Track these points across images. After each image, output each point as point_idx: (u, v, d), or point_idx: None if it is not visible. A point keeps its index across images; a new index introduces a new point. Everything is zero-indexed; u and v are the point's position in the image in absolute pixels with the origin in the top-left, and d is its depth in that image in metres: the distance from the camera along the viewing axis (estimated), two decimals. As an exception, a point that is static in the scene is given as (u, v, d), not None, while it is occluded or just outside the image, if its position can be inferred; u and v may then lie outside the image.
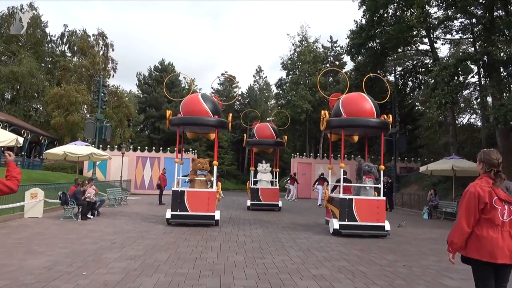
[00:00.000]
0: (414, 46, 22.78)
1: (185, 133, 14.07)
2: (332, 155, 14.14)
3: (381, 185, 11.09)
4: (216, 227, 11.42)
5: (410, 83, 25.09)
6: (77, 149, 16.50)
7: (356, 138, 13.11)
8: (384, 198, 11.19)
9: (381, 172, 11.19)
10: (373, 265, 7.14)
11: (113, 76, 37.17)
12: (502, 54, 13.28)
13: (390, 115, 11.43)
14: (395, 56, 24.81)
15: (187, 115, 12.01)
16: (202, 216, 11.55)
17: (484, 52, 14.30)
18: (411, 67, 25.38)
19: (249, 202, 18.41)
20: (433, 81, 16.33)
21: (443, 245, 9.29)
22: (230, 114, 13.15)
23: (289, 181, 27.20)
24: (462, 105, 35.14)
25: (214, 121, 11.98)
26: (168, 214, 11.66)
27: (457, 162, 16.39)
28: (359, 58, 22.64)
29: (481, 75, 20.77)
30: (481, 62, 14.61)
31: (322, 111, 11.63)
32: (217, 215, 11.74)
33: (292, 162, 30.39)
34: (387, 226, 10.59)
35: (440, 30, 21.04)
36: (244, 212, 17.00)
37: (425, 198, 20.11)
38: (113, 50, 37.25)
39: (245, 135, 19.92)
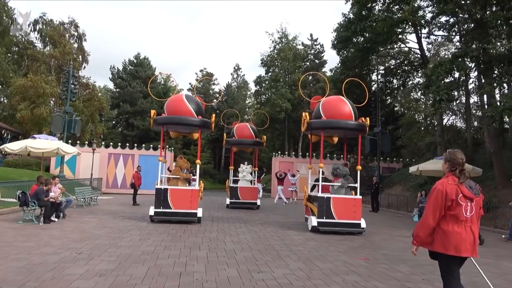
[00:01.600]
0: (401, 43, 22.14)
1: (168, 132, 14.19)
2: (314, 154, 14.37)
3: (358, 185, 11.47)
4: (199, 233, 10.20)
5: (395, 81, 24.52)
6: (41, 143, 14.77)
7: (335, 139, 13.62)
8: (360, 197, 11.59)
9: (358, 172, 11.65)
10: (388, 279, 6.14)
11: (84, 67, 35.08)
12: (501, 50, 12.66)
13: (368, 118, 11.74)
14: (379, 54, 24.03)
15: (171, 115, 12.19)
16: (185, 213, 11.73)
17: (480, 48, 13.71)
18: (396, 65, 24.74)
19: (228, 201, 18.53)
20: (425, 78, 15.66)
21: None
22: (213, 115, 13.27)
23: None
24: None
25: (197, 121, 12.20)
26: (152, 211, 11.80)
27: (450, 162, 15.74)
28: (346, 53, 21.77)
29: (467, 74, 20.31)
30: (478, 58, 13.98)
31: (303, 113, 12.05)
32: (199, 212, 11.96)
33: (273, 161, 29.36)
34: (363, 224, 11.13)
35: (428, 28, 20.49)
36: (225, 212, 15.82)
37: (412, 199, 19.54)
38: (85, 40, 35.14)
39: (224, 134, 19.80)
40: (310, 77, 48.93)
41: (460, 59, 14.06)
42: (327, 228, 10.89)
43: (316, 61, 49.29)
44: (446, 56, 21.22)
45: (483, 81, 17.34)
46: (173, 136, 15.37)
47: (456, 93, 21.61)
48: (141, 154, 27.27)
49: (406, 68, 23.49)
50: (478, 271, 4.06)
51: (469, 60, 14.39)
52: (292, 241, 9.48)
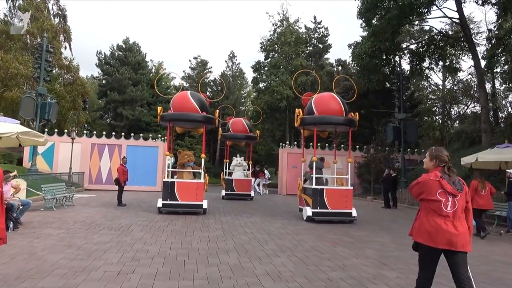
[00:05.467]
0: (439, 9, 18.66)
1: (175, 127, 14.80)
2: (305, 147, 15.59)
3: (348, 176, 12.42)
4: (212, 256, 6.78)
5: (426, 59, 21.14)
6: (-4, 127, 11.16)
7: (326, 133, 14.35)
8: (351, 188, 12.43)
9: (349, 165, 12.68)
10: None
11: (65, 48, 31.14)
12: None
13: (357, 113, 12.53)
14: (414, 22, 20.14)
15: (177, 111, 12.77)
16: (191, 205, 12.31)
17: None
18: (430, 38, 21.15)
19: (223, 192, 19.44)
20: (491, 45, 12.38)
21: None
22: (217, 111, 14.15)
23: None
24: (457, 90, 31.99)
25: (202, 117, 12.82)
26: (160, 203, 12.34)
27: (519, 152, 12.49)
28: (376, 22, 18.24)
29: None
30: None
31: (297, 110, 12.76)
32: (205, 204, 12.50)
33: (280, 153, 26.00)
34: (354, 213, 11.77)
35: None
36: (233, 213, 12.46)
37: None
38: (65, 17, 31.04)
39: (220, 129, 20.40)
40: (313, 64, 45.55)
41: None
42: (321, 217, 11.50)
43: (320, 45, 45.82)
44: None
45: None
46: (179, 131, 15.81)
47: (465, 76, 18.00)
48: (129, 145, 23.74)
49: (440, 43, 20.05)
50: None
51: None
52: (359, 270, 6.12)
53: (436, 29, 20.56)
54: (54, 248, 6.87)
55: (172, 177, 13.40)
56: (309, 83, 41.02)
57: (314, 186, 11.81)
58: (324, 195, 11.64)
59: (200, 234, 8.81)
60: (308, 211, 11.59)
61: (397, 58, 22.72)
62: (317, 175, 12.06)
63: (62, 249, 6.81)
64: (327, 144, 27.20)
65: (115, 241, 7.61)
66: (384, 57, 18.98)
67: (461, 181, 3.85)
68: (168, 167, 13.23)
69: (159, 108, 13.30)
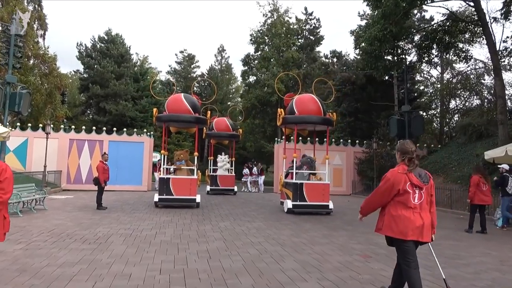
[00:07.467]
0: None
1: (168, 127, 15.19)
2: (287, 143, 16.29)
3: (326, 172, 13.24)
4: (217, 283, 5.06)
5: (434, 45, 19.67)
6: None
7: (306, 131, 15.30)
8: (329, 182, 13.12)
9: (327, 161, 13.30)
10: None
11: (41, 36, 28.74)
12: None
13: (334, 113, 13.62)
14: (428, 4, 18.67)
15: (172, 112, 13.55)
16: (185, 199, 13.16)
17: None
18: (440, 23, 19.63)
19: (208, 187, 20.28)
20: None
21: None
22: (209, 112, 15.58)
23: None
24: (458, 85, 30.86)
25: (194, 118, 13.68)
26: (156, 198, 13.17)
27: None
28: (385, 2, 16.61)
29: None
30: None
31: (279, 109, 13.58)
32: (198, 198, 13.40)
33: (276, 149, 24.33)
34: (331, 205, 12.71)
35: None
36: (231, 217, 10.74)
37: (463, 193, 15.06)
38: (40, 3, 28.63)
39: (204, 128, 19.64)
40: (305, 56, 43.90)
41: None
42: (301, 210, 12.38)
43: (311, 37, 44.18)
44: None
45: None
46: (173, 131, 16.82)
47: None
48: (111, 140, 21.65)
49: (451, 28, 18.59)
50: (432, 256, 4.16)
51: None
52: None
53: (448, 9, 19.01)
54: (2, 274, 5.04)
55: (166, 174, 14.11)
56: (301, 76, 39.49)
57: (294, 180, 12.65)
58: (303, 189, 12.44)
59: (197, 247, 7.07)
60: (289, 204, 12.47)
61: (403, 44, 21.21)
62: (297, 171, 12.89)
63: (12, 275, 4.99)
64: (325, 139, 25.74)
65: (86, 261, 5.79)
66: (387, 48, 17.53)
67: (428, 174, 3.93)
68: (155, 165, 13.13)
69: (154, 110, 14.37)
